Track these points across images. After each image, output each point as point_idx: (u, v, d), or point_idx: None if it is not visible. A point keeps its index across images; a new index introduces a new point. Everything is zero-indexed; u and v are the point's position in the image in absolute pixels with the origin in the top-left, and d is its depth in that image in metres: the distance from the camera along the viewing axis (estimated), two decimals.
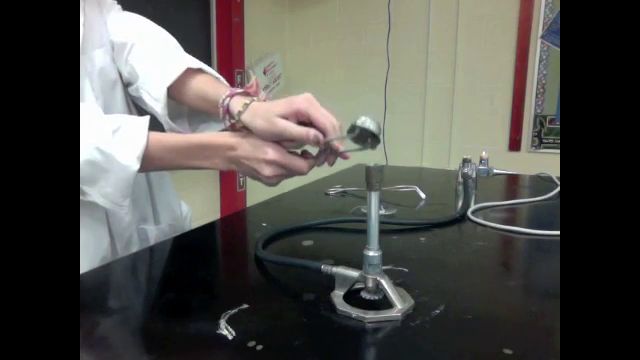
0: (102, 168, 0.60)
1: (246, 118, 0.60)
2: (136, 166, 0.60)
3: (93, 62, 0.75)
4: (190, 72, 0.73)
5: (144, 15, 0.84)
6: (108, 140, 0.60)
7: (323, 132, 0.57)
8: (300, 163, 0.60)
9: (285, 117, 0.58)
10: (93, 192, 0.62)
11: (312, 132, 0.56)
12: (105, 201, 0.63)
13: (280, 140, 0.59)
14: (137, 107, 0.85)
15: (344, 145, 0.59)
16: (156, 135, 0.63)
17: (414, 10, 2.66)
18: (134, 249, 0.80)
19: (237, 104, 0.62)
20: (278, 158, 0.59)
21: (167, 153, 0.63)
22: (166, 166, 0.66)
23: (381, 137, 0.55)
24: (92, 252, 0.74)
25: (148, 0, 1.94)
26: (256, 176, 0.61)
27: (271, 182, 0.61)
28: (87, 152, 0.59)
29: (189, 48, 0.80)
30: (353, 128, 0.55)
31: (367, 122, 0.54)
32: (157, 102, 0.74)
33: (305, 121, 0.59)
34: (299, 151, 0.62)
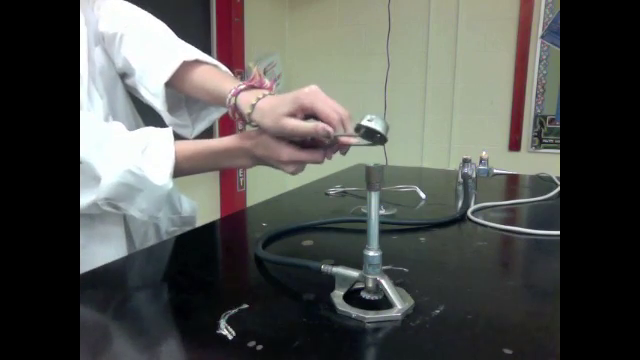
0: (136, 188, 0.63)
1: (256, 118, 0.61)
2: (169, 185, 0.64)
3: (94, 61, 0.74)
4: (187, 64, 0.71)
5: None
6: (138, 161, 0.62)
7: (329, 124, 0.58)
8: (314, 156, 0.61)
9: (293, 114, 0.58)
10: (130, 208, 0.65)
11: (321, 126, 0.57)
12: (142, 215, 0.66)
13: (291, 138, 0.60)
14: (135, 99, 0.83)
15: (355, 139, 0.59)
16: (181, 146, 0.65)
17: (414, 10, 2.67)
18: (151, 242, 0.82)
19: (244, 102, 0.62)
20: (293, 157, 0.61)
21: (194, 162, 0.66)
22: (196, 172, 0.68)
23: (389, 135, 0.55)
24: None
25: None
26: (279, 169, 0.64)
27: (294, 173, 0.63)
28: (119, 175, 0.61)
29: None
30: (359, 127, 0.55)
31: (372, 122, 0.54)
32: (156, 97, 0.73)
33: (313, 115, 0.59)
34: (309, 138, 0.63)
